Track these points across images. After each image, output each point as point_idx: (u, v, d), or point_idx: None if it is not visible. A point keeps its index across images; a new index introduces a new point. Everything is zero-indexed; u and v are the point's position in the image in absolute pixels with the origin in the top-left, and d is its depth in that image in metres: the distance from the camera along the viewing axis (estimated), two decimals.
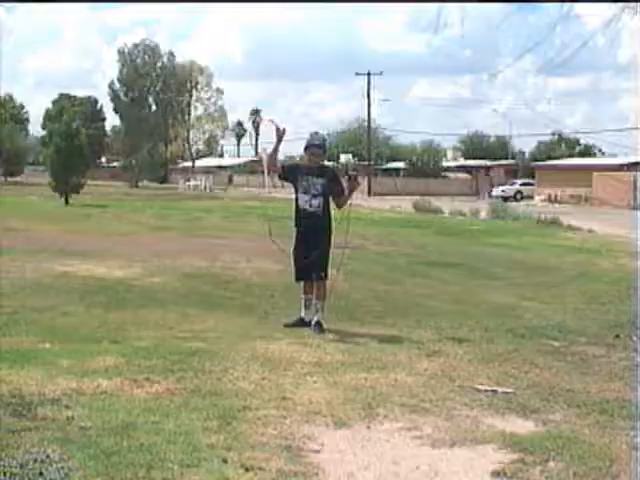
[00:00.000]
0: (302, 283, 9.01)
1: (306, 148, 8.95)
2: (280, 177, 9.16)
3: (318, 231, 8.74)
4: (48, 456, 4.54)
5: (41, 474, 4.31)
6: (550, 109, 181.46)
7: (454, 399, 6.17)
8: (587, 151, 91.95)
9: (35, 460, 4.48)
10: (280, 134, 8.83)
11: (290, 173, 9.09)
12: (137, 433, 5.03)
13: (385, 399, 6.05)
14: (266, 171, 9.59)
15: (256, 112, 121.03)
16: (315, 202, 8.73)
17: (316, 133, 9.56)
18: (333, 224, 8.94)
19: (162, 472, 4.43)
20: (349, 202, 9.05)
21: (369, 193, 67.56)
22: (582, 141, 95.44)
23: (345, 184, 9.01)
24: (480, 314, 10.39)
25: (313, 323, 8.72)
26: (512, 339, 8.70)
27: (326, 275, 8.83)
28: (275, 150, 8.97)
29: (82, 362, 6.79)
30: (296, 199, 8.89)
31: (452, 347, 8.08)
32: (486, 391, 6.41)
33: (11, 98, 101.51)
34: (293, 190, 8.95)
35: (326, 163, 9.61)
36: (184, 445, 4.86)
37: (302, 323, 8.82)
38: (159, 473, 4.41)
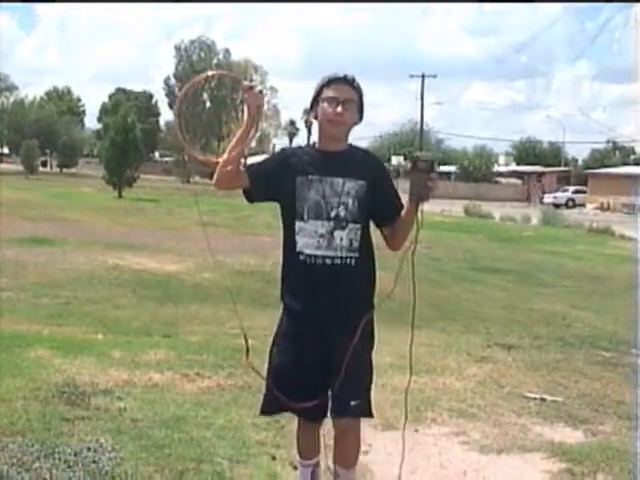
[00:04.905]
0: (300, 424, 4.15)
1: (317, 96, 3.84)
2: (248, 196, 3.85)
3: (346, 310, 3.79)
4: (101, 445, 4.65)
5: (94, 462, 4.40)
6: (605, 116, 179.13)
7: (502, 406, 6.15)
8: None
9: (89, 449, 4.58)
10: (254, 102, 3.74)
11: (272, 178, 3.81)
12: (188, 427, 5.11)
13: (433, 403, 6.06)
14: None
15: (308, 112, 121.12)
16: (339, 238, 3.72)
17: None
18: (377, 288, 3.96)
19: (212, 466, 4.50)
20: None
21: None
22: (637, 149, 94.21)
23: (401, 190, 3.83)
24: (530, 321, 10.34)
25: None
26: (562, 348, 8.63)
27: (370, 410, 3.93)
28: (241, 139, 3.78)
29: (134, 354, 6.91)
30: (290, 235, 3.78)
31: (501, 353, 8.06)
32: (535, 399, 6.38)
33: (69, 91, 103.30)
34: (280, 215, 3.87)
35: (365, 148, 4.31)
36: (233, 440, 4.93)
37: None
38: (209, 467, 4.48)
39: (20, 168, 64.87)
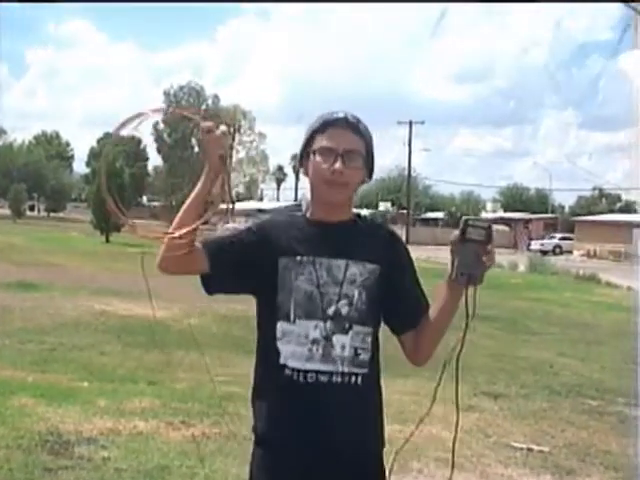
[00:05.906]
0: None
1: (307, 145, 2.57)
2: (207, 285, 2.58)
3: (348, 452, 2.51)
4: None
5: None
6: (591, 164, 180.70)
7: (489, 456, 6.13)
8: (628, 207, 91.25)
9: None
10: (214, 149, 2.37)
11: (242, 260, 2.52)
12: (172, 477, 5.07)
13: (420, 453, 6.02)
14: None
15: (296, 157, 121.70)
16: (340, 346, 2.48)
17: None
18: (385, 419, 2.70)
19: None
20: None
21: (407, 242, 67.52)
22: (623, 197, 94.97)
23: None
24: (517, 369, 10.32)
25: None
26: (548, 396, 8.62)
27: None
28: (195, 204, 2.46)
29: (119, 402, 6.86)
30: (270, 341, 2.50)
31: (488, 402, 8.04)
32: (521, 449, 6.36)
33: (57, 135, 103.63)
34: (256, 311, 2.62)
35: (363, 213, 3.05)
36: None
37: None
38: None
39: (7, 212, 64.80)
